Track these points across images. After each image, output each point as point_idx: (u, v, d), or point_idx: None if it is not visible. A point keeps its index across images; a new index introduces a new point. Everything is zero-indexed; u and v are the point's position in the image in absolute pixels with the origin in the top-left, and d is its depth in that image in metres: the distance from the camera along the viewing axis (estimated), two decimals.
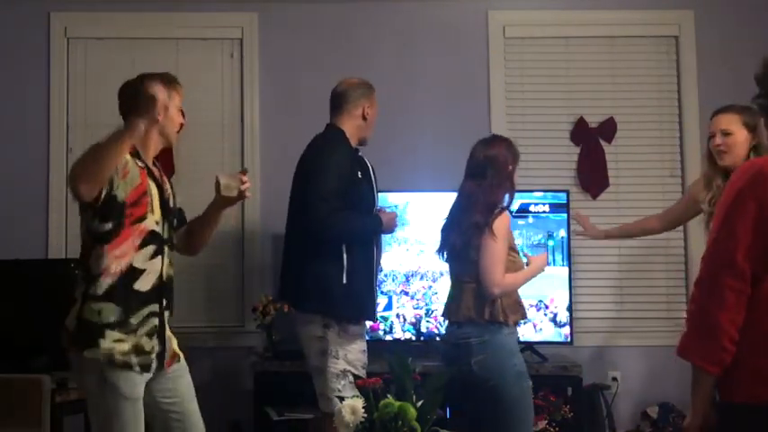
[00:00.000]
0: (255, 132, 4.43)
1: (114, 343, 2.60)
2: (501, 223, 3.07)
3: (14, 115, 4.40)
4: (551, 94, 4.48)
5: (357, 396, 3.09)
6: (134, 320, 2.63)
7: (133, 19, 4.47)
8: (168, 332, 2.75)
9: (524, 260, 3.23)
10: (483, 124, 4.40)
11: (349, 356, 3.17)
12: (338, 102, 3.37)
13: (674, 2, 4.47)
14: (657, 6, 4.47)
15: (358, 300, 3.19)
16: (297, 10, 4.49)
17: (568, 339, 4.04)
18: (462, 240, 3.13)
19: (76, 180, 2.48)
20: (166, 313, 2.73)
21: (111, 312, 2.61)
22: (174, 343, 2.79)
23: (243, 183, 2.74)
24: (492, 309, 3.06)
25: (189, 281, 4.07)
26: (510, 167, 3.19)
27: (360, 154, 3.36)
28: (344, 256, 3.14)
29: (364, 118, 3.34)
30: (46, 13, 4.43)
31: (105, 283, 2.62)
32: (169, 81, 2.74)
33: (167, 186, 2.79)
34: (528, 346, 4.02)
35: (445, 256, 3.26)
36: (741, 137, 3.16)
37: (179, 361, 2.79)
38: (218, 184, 2.74)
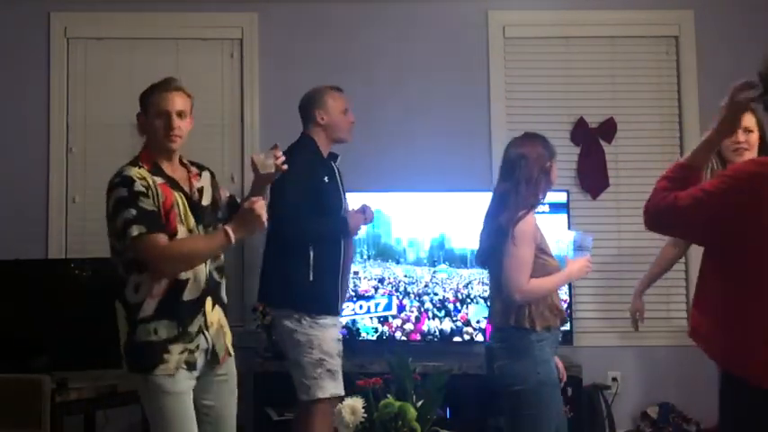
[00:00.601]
0: (255, 132, 4.43)
1: (179, 355, 2.64)
2: (524, 226, 2.93)
3: (14, 115, 4.40)
4: (551, 94, 4.48)
5: (334, 381, 3.27)
6: (192, 329, 2.67)
7: (133, 19, 4.47)
8: (220, 327, 2.75)
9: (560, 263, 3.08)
10: (483, 124, 4.41)
11: (323, 346, 3.35)
12: (302, 113, 3.64)
13: (674, 2, 4.46)
14: (657, 6, 4.47)
15: (324, 296, 3.40)
16: (297, 10, 4.49)
17: (568, 339, 4.04)
18: (489, 244, 3.04)
19: (164, 266, 2.61)
20: (216, 308, 2.74)
21: (166, 328, 2.64)
22: (227, 339, 2.79)
23: (277, 158, 2.75)
24: (517, 314, 2.93)
25: None
26: (539, 166, 3.06)
27: (333, 162, 3.58)
28: (311, 255, 3.36)
29: (324, 124, 3.54)
30: (46, 13, 4.43)
31: (152, 303, 2.64)
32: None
33: (195, 187, 2.77)
34: None
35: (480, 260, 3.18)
36: (757, 135, 3.21)
37: (231, 355, 2.80)
38: (254, 164, 2.76)
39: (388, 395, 2.97)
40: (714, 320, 2.08)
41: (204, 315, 2.71)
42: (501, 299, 2.98)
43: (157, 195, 2.64)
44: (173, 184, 2.71)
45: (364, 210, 3.57)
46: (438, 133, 4.39)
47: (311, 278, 3.35)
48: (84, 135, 4.43)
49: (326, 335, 3.37)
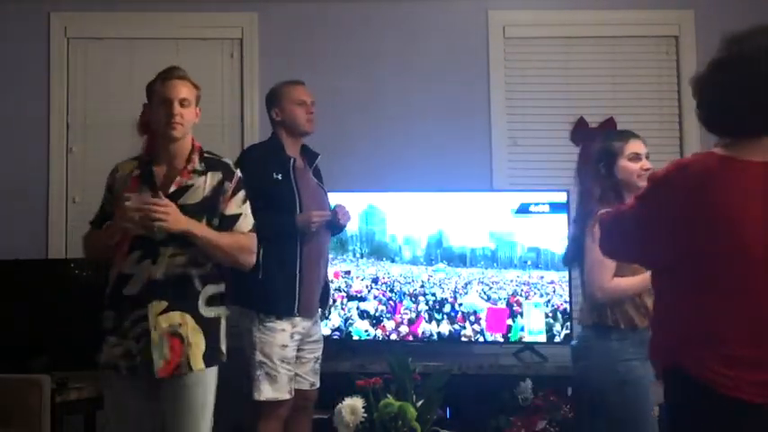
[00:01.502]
0: (255, 132, 4.43)
1: (112, 348, 2.70)
2: None
3: (14, 115, 4.40)
4: (551, 94, 4.48)
5: (272, 386, 3.26)
6: (127, 324, 2.70)
7: (133, 19, 4.47)
8: (171, 335, 2.67)
9: None
10: (483, 124, 4.41)
11: (265, 349, 3.31)
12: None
13: (674, 2, 4.47)
14: (657, 6, 4.47)
15: (273, 295, 3.33)
16: (297, 10, 4.49)
17: (568, 339, 4.04)
18: (575, 245, 3.00)
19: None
20: (172, 315, 2.67)
21: (109, 319, 2.74)
22: (190, 351, 2.67)
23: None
24: (600, 312, 2.88)
25: None
26: (603, 162, 2.96)
27: (313, 160, 3.62)
28: (260, 253, 3.21)
29: (281, 120, 3.52)
30: (46, 13, 4.44)
31: (108, 292, 2.76)
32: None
33: (181, 184, 2.74)
34: (528, 346, 4.03)
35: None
36: None
37: (183, 374, 2.67)
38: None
39: (388, 395, 2.97)
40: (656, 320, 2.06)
41: (146, 317, 2.66)
42: (585, 296, 2.96)
43: (122, 187, 2.77)
44: (145, 178, 2.77)
45: (336, 211, 3.50)
46: (438, 133, 4.39)
47: (260, 276, 3.25)
48: (84, 135, 4.43)
49: (271, 339, 3.30)
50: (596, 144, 3.06)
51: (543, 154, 4.45)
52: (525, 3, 4.55)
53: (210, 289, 2.77)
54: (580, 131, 4.45)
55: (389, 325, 4.04)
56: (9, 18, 4.43)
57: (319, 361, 3.55)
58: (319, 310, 3.59)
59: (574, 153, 4.44)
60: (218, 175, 2.79)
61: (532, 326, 4.01)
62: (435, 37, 4.49)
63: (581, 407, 3.04)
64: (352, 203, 3.96)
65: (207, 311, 2.74)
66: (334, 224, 3.53)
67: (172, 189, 2.73)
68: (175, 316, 2.68)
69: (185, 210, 2.70)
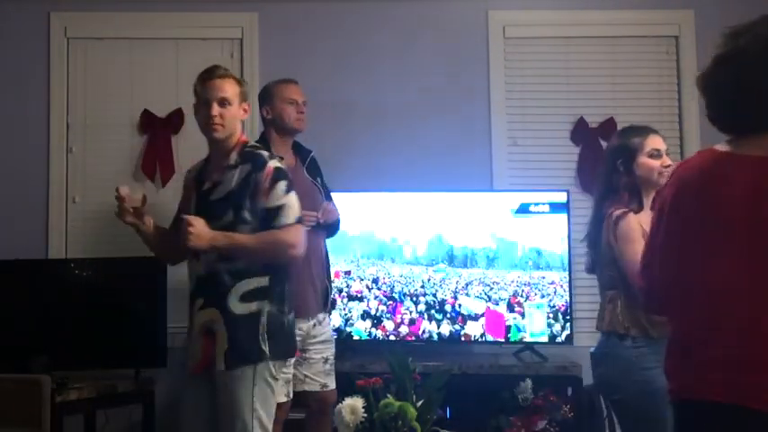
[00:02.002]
0: (255, 132, 4.42)
1: (186, 347, 2.82)
2: (626, 227, 2.75)
3: (14, 115, 4.40)
4: (551, 94, 4.47)
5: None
6: (189, 323, 2.81)
7: (133, 19, 4.47)
8: (205, 332, 2.70)
9: None
10: (483, 124, 4.40)
11: None
12: None
13: (674, 2, 4.46)
14: (657, 6, 4.47)
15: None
16: (297, 10, 4.49)
17: (568, 339, 4.04)
18: (592, 250, 2.97)
19: None
20: (208, 311, 2.72)
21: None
22: (217, 347, 2.67)
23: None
24: (611, 319, 2.86)
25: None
26: (621, 160, 2.85)
27: (306, 158, 3.62)
28: None
29: (270, 119, 3.54)
30: (46, 13, 4.43)
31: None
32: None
33: (207, 183, 2.81)
34: (528, 346, 4.03)
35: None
36: None
37: (214, 372, 2.68)
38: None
39: (388, 395, 2.97)
40: None
41: (192, 315, 2.76)
42: (600, 303, 2.92)
43: (188, 189, 2.91)
44: (198, 179, 2.87)
45: (324, 209, 3.46)
46: (438, 133, 4.39)
47: None
48: (84, 135, 4.43)
49: None
50: (613, 141, 2.97)
51: (543, 154, 4.44)
52: (525, 3, 4.55)
53: (246, 284, 2.70)
54: (580, 131, 4.45)
55: (389, 325, 4.04)
56: (9, 18, 4.43)
57: (330, 362, 3.47)
58: (323, 311, 3.50)
59: (574, 153, 4.45)
60: (247, 168, 2.76)
61: (533, 326, 4.01)
62: (435, 37, 4.49)
63: (594, 410, 3.02)
64: (352, 203, 3.97)
65: (239, 308, 2.69)
66: (327, 223, 3.50)
67: (206, 187, 2.79)
68: (209, 312, 2.72)
69: (213, 206, 2.74)
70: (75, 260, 4.03)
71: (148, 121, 4.35)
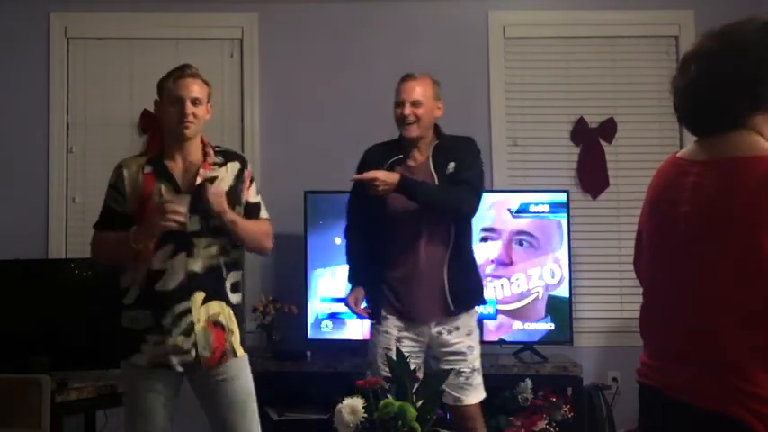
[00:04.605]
0: (255, 132, 4.43)
1: (155, 346, 2.69)
2: None
3: (14, 115, 4.40)
4: (551, 94, 4.48)
5: None
6: (168, 320, 2.69)
7: (133, 19, 4.47)
8: (212, 325, 2.72)
9: None
10: (483, 124, 4.40)
11: (372, 349, 3.28)
12: None
13: (674, 2, 4.46)
14: (657, 6, 4.47)
15: (368, 294, 3.28)
16: (297, 10, 4.49)
17: (568, 339, 4.04)
18: None
19: (94, 257, 2.88)
20: (211, 304, 2.73)
21: (143, 318, 2.71)
22: (233, 338, 2.76)
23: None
24: None
25: None
26: None
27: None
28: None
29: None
30: (46, 13, 4.43)
31: (134, 292, 2.73)
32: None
33: (204, 177, 2.76)
34: (528, 346, 4.03)
35: None
36: None
37: (228, 360, 2.75)
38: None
39: (388, 395, 2.97)
40: None
41: (189, 310, 2.70)
42: None
43: (133, 184, 2.73)
44: (160, 174, 2.75)
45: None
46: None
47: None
48: (84, 135, 4.43)
49: (375, 340, 3.23)
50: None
51: (543, 154, 4.45)
52: (525, 3, 4.55)
53: (233, 276, 2.83)
54: (580, 131, 4.45)
55: None
56: (9, 18, 4.43)
57: (464, 375, 3.16)
58: (450, 315, 3.17)
59: (574, 153, 4.46)
60: (237, 165, 2.86)
61: (533, 326, 4.01)
62: (435, 37, 4.49)
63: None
64: None
65: (233, 298, 2.82)
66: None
67: (198, 181, 2.76)
68: (215, 305, 2.74)
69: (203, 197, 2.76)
70: (75, 260, 4.02)
71: (148, 121, 4.34)
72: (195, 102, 2.76)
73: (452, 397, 3.19)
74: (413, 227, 3.14)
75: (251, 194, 2.87)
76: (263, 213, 2.90)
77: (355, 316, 3.43)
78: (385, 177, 3.06)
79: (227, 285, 2.79)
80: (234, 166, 2.84)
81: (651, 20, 4.48)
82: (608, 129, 4.45)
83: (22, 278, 3.84)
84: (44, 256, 4.28)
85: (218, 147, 2.90)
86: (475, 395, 3.21)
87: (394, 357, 3.00)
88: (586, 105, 4.47)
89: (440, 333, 3.17)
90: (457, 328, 3.19)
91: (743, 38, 1.74)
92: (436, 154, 3.21)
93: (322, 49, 4.46)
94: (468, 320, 3.22)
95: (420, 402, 2.87)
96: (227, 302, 2.78)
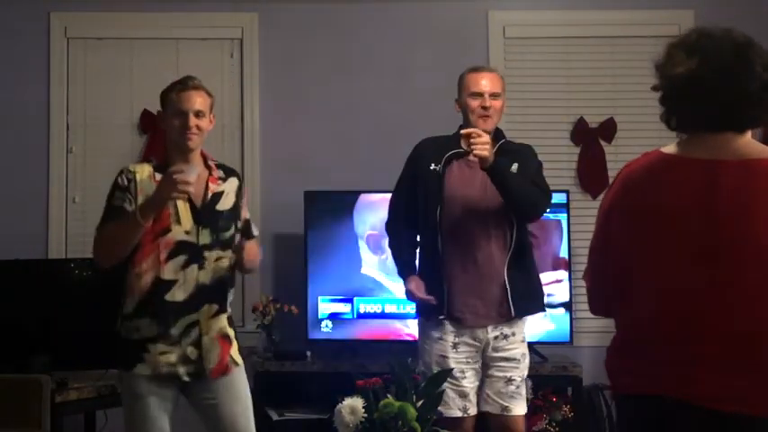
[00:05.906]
0: (255, 133, 4.43)
1: (160, 355, 2.66)
2: None
3: (14, 115, 4.40)
4: (551, 94, 4.48)
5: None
6: (175, 330, 2.68)
7: (133, 19, 4.47)
8: (219, 337, 2.74)
9: None
10: None
11: (425, 357, 3.18)
12: None
13: (674, 2, 4.47)
14: (657, 6, 4.47)
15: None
16: (297, 10, 4.49)
17: (568, 339, 4.04)
18: None
19: (95, 256, 2.78)
20: (220, 317, 2.75)
21: (147, 326, 2.68)
22: (232, 350, 2.78)
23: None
24: None
25: None
26: None
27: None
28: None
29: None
30: (46, 13, 4.43)
31: (133, 300, 2.70)
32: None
33: (212, 190, 2.77)
34: (528, 346, 4.02)
35: None
36: None
37: (231, 371, 2.77)
38: None
39: (388, 395, 2.97)
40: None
41: (198, 322, 2.70)
42: None
43: (147, 190, 2.69)
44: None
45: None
46: (438, 133, 4.37)
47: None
48: (84, 135, 4.43)
49: (428, 347, 3.11)
50: None
51: (543, 154, 4.41)
52: (525, 3, 4.55)
53: (233, 291, 2.87)
54: (580, 131, 4.45)
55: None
56: (9, 18, 4.43)
57: (515, 383, 3.06)
58: (505, 319, 3.06)
59: (574, 153, 4.46)
60: (236, 181, 2.88)
61: (533, 326, 4.01)
62: (435, 37, 4.49)
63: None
64: (349, 204, 3.98)
65: (229, 309, 2.85)
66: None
67: (210, 195, 2.76)
68: (223, 318, 2.77)
69: (223, 216, 2.78)
70: (75, 260, 4.02)
71: (148, 121, 4.34)
72: (198, 114, 2.75)
73: (500, 406, 3.05)
74: (473, 224, 3.04)
75: (245, 210, 2.91)
76: (255, 230, 2.89)
77: (414, 304, 3.25)
78: (488, 142, 2.94)
79: (229, 298, 2.83)
80: (233, 182, 2.86)
81: (651, 20, 4.48)
82: (608, 129, 4.45)
83: (22, 278, 3.84)
84: (44, 257, 4.28)
85: (214, 160, 2.90)
86: (523, 405, 3.10)
87: (451, 365, 2.99)
88: (586, 105, 4.47)
89: (496, 338, 3.05)
90: (513, 334, 3.07)
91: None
92: (500, 153, 3.07)
93: (322, 49, 4.46)
94: (523, 327, 3.12)
95: (420, 402, 2.87)
96: (228, 314, 2.81)
